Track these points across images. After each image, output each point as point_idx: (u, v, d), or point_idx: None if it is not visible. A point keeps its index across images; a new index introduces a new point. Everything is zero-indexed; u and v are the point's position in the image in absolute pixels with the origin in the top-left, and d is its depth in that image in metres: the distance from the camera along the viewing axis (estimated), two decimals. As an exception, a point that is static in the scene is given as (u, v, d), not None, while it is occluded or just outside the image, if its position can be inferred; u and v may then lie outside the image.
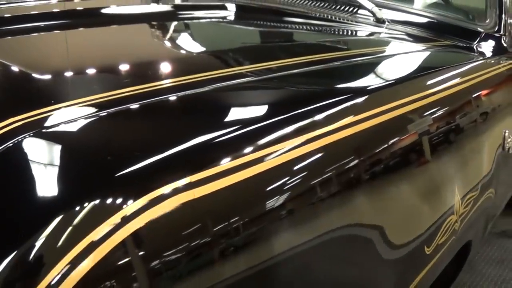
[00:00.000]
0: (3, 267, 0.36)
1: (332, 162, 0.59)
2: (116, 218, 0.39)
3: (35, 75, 0.64)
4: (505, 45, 1.33)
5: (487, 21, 1.35)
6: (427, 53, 1.13)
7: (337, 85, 0.78)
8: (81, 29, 0.91)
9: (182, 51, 0.90)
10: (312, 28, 1.26)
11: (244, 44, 1.04)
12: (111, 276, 0.38)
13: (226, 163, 0.48)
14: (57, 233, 0.37)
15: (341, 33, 1.20)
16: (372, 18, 1.28)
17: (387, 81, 0.82)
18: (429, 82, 0.88)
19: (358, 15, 1.31)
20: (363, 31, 1.24)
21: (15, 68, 0.66)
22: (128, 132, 0.52)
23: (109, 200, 0.40)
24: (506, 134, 1.16)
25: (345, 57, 0.93)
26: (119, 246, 0.38)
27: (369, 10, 1.27)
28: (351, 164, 0.62)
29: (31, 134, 0.46)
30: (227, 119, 0.57)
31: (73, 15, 0.98)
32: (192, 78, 0.64)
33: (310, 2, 1.38)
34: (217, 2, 1.28)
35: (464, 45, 1.25)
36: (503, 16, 1.35)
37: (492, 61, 1.22)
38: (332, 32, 1.21)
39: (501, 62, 1.24)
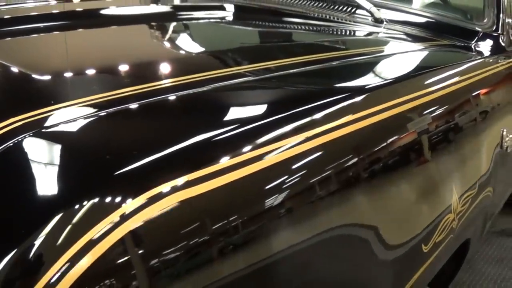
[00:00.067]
0: (3, 265, 0.36)
1: (330, 160, 0.60)
2: (114, 216, 0.39)
3: (35, 76, 0.64)
4: (503, 44, 1.33)
5: (485, 21, 1.35)
6: (425, 52, 1.13)
7: (335, 84, 0.78)
8: (80, 30, 0.92)
9: (181, 52, 0.90)
10: (310, 28, 1.26)
11: (242, 44, 1.04)
12: (110, 273, 0.38)
13: (224, 161, 0.48)
14: (56, 231, 0.38)
15: (339, 33, 1.20)
16: (370, 18, 1.28)
17: (385, 80, 0.83)
18: (426, 82, 0.88)
19: (356, 15, 1.31)
20: (361, 31, 1.24)
21: (15, 69, 0.67)
22: (126, 132, 0.52)
23: (107, 199, 0.41)
24: (504, 133, 1.16)
25: (343, 56, 0.94)
26: (117, 244, 0.38)
27: (367, 10, 1.28)
28: (349, 162, 0.62)
29: (31, 134, 0.46)
30: (225, 118, 0.58)
31: (73, 16, 0.98)
32: (191, 78, 0.65)
33: (308, 2, 1.39)
34: (216, 3, 1.28)
35: (462, 44, 1.25)
36: (501, 15, 1.35)
37: (490, 60, 1.22)
38: (331, 32, 1.21)
39: (499, 61, 1.25)
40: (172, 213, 0.42)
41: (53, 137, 0.48)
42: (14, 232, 0.38)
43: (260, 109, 0.62)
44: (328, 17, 1.31)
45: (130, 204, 0.40)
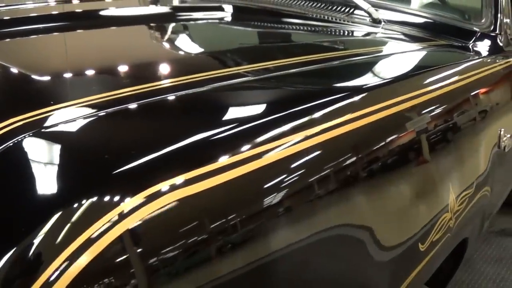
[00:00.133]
0: (3, 263, 0.36)
1: (328, 159, 0.60)
2: (112, 215, 0.40)
3: (34, 77, 0.64)
4: (501, 44, 1.33)
5: (483, 21, 1.35)
6: (422, 52, 1.13)
7: (333, 84, 0.79)
8: (79, 31, 0.92)
9: (180, 52, 0.90)
10: (309, 28, 1.26)
11: (241, 44, 1.05)
12: (108, 271, 0.38)
13: (222, 160, 0.49)
14: (55, 229, 0.38)
15: (337, 33, 1.21)
16: (368, 19, 1.29)
17: (382, 80, 0.83)
18: (423, 82, 0.89)
19: (354, 16, 1.31)
20: (360, 31, 1.24)
21: (15, 70, 0.67)
22: (125, 131, 0.53)
23: (105, 197, 0.41)
24: (502, 132, 1.17)
25: (341, 57, 0.94)
26: (115, 242, 0.39)
27: (365, 11, 1.28)
28: (346, 161, 0.62)
29: (31, 134, 0.47)
30: (224, 117, 0.58)
31: (72, 17, 0.98)
32: (190, 78, 0.65)
33: (306, 3, 1.39)
34: (214, 4, 1.29)
35: (460, 44, 1.26)
36: (499, 15, 1.35)
37: (488, 60, 1.22)
38: (329, 32, 1.21)
39: (497, 61, 1.25)
40: (170, 211, 0.43)
41: (52, 137, 0.48)
42: (13, 230, 0.39)
43: (259, 108, 0.63)
44: (326, 17, 1.32)
45: (128, 203, 0.41)
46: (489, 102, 1.11)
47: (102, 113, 0.52)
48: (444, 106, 0.89)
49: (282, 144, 0.55)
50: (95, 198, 0.41)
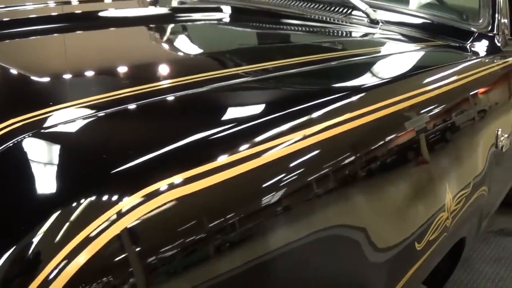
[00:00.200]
0: (2, 261, 0.37)
1: (326, 158, 0.60)
2: (110, 214, 0.40)
3: (34, 78, 0.64)
4: (498, 44, 1.33)
5: (480, 21, 1.36)
6: (419, 53, 1.14)
7: (331, 84, 0.79)
8: (79, 32, 0.92)
9: (179, 53, 0.90)
10: (307, 29, 1.27)
11: (240, 45, 1.05)
12: (106, 270, 0.39)
13: (221, 159, 0.49)
14: (54, 228, 0.38)
15: (335, 34, 1.21)
16: (366, 19, 1.29)
17: (379, 80, 0.83)
18: (419, 82, 0.89)
19: (352, 16, 1.32)
20: (357, 32, 1.25)
21: (14, 71, 0.67)
22: (123, 131, 0.53)
23: (104, 197, 0.41)
24: (499, 132, 1.17)
25: (339, 57, 0.94)
26: (113, 241, 0.39)
27: (363, 11, 1.28)
28: (344, 160, 0.63)
29: (30, 135, 0.47)
30: (223, 117, 0.58)
31: (71, 18, 0.99)
32: (189, 79, 0.65)
33: (304, 4, 1.39)
34: (213, 5, 1.29)
35: (457, 45, 1.26)
36: (496, 15, 1.36)
37: (486, 60, 1.23)
38: (327, 33, 1.22)
39: (495, 61, 1.25)
40: (168, 210, 0.43)
41: (51, 137, 0.48)
42: (13, 229, 0.39)
43: (258, 108, 0.63)
44: (324, 18, 1.32)
45: (127, 202, 0.41)
46: (487, 102, 1.11)
47: (101, 113, 0.53)
48: (441, 106, 0.89)
49: (280, 144, 0.55)
50: (93, 197, 0.41)
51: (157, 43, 0.97)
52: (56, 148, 0.48)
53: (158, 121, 0.56)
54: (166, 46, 0.96)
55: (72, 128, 0.50)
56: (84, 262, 0.38)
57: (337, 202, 0.61)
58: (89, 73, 0.70)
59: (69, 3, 1.15)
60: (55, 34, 0.89)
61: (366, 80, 0.83)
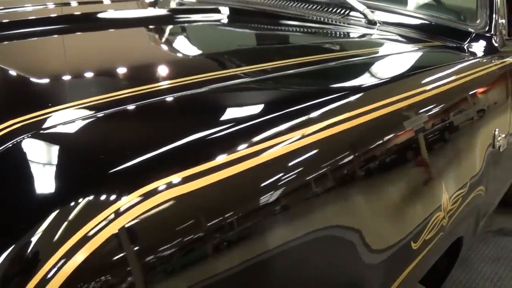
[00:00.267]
0: (0, 261, 0.37)
1: (323, 158, 0.61)
2: (107, 213, 0.40)
3: (33, 79, 0.65)
4: (496, 44, 1.33)
5: (477, 22, 1.36)
6: (416, 53, 1.14)
7: (329, 84, 0.79)
8: (78, 33, 0.92)
9: (178, 54, 0.91)
10: (305, 30, 1.27)
11: (239, 46, 1.05)
12: (103, 268, 0.39)
13: (218, 158, 0.49)
14: (52, 227, 0.39)
15: (333, 35, 1.21)
16: (363, 20, 1.30)
17: (376, 81, 0.84)
18: (416, 82, 0.90)
19: (350, 17, 1.32)
20: (355, 32, 1.25)
21: (14, 72, 0.67)
22: (121, 132, 0.54)
23: (102, 196, 0.42)
24: (496, 132, 1.17)
25: (337, 58, 0.94)
26: (110, 240, 0.39)
27: (360, 12, 1.29)
28: (342, 160, 0.63)
29: (29, 135, 0.48)
30: (221, 118, 0.59)
31: (71, 19, 0.99)
32: (188, 80, 0.65)
33: (302, 5, 1.40)
34: (211, 6, 1.30)
35: (455, 45, 1.27)
36: (494, 16, 1.36)
37: (483, 61, 1.23)
38: (325, 34, 1.22)
39: (492, 61, 1.25)
40: (165, 209, 0.43)
41: (50, 138, 0.49)
42: (12, 228, 0.40)
43: (256, 108, 0.63)
44: (322, 19, 1.33)
45: (124, 201, 0.42)
46: (484, 102, 1.11)
47: (99, 114, 0.53)
48: (437, 107, 0.90)
49: (278, 143, 0.56)
50: (91, 197, 0.41)
51: (156, 44, 0.97)
52: (55, 148, 0.48)
53: (156, 122, 0.56)
54: (165, 47, 0.96)
55: (71, 128, 0.50)
56: (82, 261, 0.38)
57: (334, 201, 0.62)
58: (88, 74, 0.70)
59: (68, 4, 1.16)
60: (54, 36, 0.89)
61: (363, 80, 0.83)
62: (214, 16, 1.21)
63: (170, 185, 0.45)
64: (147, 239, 0.42)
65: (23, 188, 0.43)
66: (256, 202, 0.51)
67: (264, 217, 0.52)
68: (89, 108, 0.54)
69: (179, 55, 0.91)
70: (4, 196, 0.43)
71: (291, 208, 0.55)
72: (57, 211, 0.40)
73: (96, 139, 0.51)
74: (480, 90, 1.11)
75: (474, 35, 1.31)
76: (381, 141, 0.72)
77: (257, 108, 0.63)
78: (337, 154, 0.63)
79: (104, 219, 0.40)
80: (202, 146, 0.51)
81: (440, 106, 0.91)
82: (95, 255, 0.39)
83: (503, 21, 1.41)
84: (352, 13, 1.32)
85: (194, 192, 0.46)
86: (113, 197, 0.42)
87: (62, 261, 0.38)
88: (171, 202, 0.44)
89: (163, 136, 0.52)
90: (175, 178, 0.45)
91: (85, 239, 0.39)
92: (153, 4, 1.38)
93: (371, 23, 1.28)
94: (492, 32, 1.34)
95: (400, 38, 1.24)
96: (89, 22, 1.00)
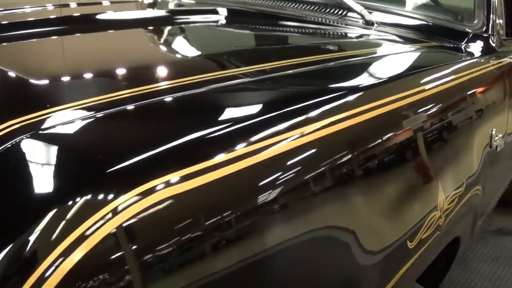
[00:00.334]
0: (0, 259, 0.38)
1: (321, 157, 0.61)
2: (105, 211, 0.41)
3: (33, 80, 0.65)
4: (493, 45, 1.34)
5: (475, 22, 1.36)
6: (413, 54, 1.14)
7: (327, 84, 0.80)
8: (77, 34, 0.93)
9: (178, 55, 0.91)
10: (303, 31, 1.27)
11: (237, 47, 1.05)
12: (100, 266, 0.39)
13: (216, 157, 0.50)
14: (50, 226, 0.39)
15: (331, 35, 1.22)
16: (361, 21, 1.30)
17: (374, 81, 0.84)
18: (413, 82, 0.90)
19: (347, 18, 1.33)
20: (353, 33, 1.25)
21: (13, 73, 0.67)
22: (120, 132, 0.54)
23: (99, 195, 0.42)
24: (494, 132, 1.18)
25: (335, 58, 0.95)
26: (107, 238, 0.40)
27: (358, 13, 1.29)
28: (338, 159, 0.64)
29: (28, 136, 0.48)
30: (219, 117, 0.59)
31: (70, 21, 0.99)
32: (187, 80, 0.66)
33: (300, 6, 1.40)
34: (209, 7, 1.30)
35: (452, 45, 1.27)
36: (491, 16, 1.36)
37: (481, 61, 1.23)
38: (323, 34, 1.22)
39: (490, 61, 1.26)
40: (163, 207, 0.44)
41: (48, 138, 0.49)
42: (10, 227, 0.40)
43: (255, 108, 0.64)
44: (320, 20, 1.33)
45: (121, 199, 0.42)
46: (481, 102, 1.11)
47: (98, 115, 0.53)
48: (434, 107, 0.90)
49: (277, 142, 0.56)
50: (88, 196, 0.42)
51: (155, 45, 0.97)
52: (53, 148, 0.48)
53: (154, 121, 0.57)
54: (164, 48, 0.96)
55: (69, 129, 0.51)
56: (79, 259, 0.38)
57: (331, 199, 0.62)
58: (88, 75, 0.70)
59: (68, 5, 1.16)
60: (53, 37, 0.89)
61: (360, 80, 0.84)
62: (213, 17, 1.22)
63: (167, 184, 0.45)
64: (144, 237, 0.43)
65: (21, 188, 0.43)
66: (254, 201, 0.52)
67: (262, 215, 0.52)
68: (88, 108, 0.54)
69: (178, 56, 0.91)
70: (3, 195, 0.43)
71: (289, 206, 0.55)
72: (54, 210, 0.40)
73: (94, 139, 0.51)
74: (478, 90, 1.11)
75: (471, 35, 1.32)
76: (377, 141, 0.72)
77: (256, 108, 0.64)
78: (334, 153, 0.64)
79: (102, 217, 0.40)
80: (200, 145, 0.51)
81: (437, 106, 0.91)
82: (92, 253, 0.39)
83: (501, 21, 1.41)
84: (349, 14, 1.33)
85: (191, 191, 0.46)
86: (110, 196, 0.42)
87: (60, 259, 0.38)
88: (168, 201, 0.44)
89: (161, 135, 0.52)
90: (173, 177, 0.46)
91: (83, 238, 0.39)
92: (152, 5, 1.39)
93: (368, 23, 1.28)
94: (490, 32, 1.34)
95: (397, 39, 1.24)
96: (88, 23, 1.00)
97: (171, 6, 1.44)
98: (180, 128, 0.55)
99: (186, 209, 0.46)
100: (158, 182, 0.45)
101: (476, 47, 1.29)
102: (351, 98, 0.73)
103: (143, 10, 1.31)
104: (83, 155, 0.48)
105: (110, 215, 0.41)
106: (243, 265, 0.50)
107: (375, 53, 1.08)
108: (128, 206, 0.42)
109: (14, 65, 0.72)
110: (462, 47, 1.28)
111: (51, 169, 0.45)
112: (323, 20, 1.32)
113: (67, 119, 0.52)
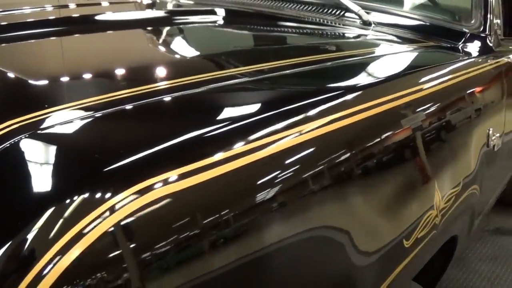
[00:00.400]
0: None
1: (319, 156, 0.62)
2: (102, 209, 0.41)
3: (32, 80, 0.65)
4: (490, 45, 1.34)
5: (472, 22, 1.36)
6: (410, 54, 1.14)
7: (324, 84, 0.80)
8: (76, 35, 0.93)
9: (176, 55, 0.92)
10: (301, 31, 1.28)
11: (235, 47, 1.05)
12: (97, 263, 0.40)
13: (214, 155, 0.50)
14: (47, 224, 0.40)
15: (329, 35, 1.22)
16: (358, 21, 1.31)
17: (371, 81, 0.84)
18: (410, 82, 0.90)
19: (345, 18, 1.33)
20: (350, 33, 1.26)
21: (12, 74, 0.68)
22: (117, 131, 0.54)
23: (97, 193, 0.42)
24: (491, 132, 1.18)
25: (333, 58, 0.95)
26: (104, 235, 0.40)
27: (355, 13, 1.29)
28: (334, 157, 0.64)
29: (27, 135, 0.48)
30: (217, 116, 0.59)
31: (69, 21, 1.00)
32: (185, 81, 0.66)
33: (297, 6, 1.41)
34: (208, 7, 1.31)
35: (449, 45, 1.27)
36: (489, 16, 1.36)
37: (478, 60, 1.23)
38: (320, 34, 1.23)
39: (487, 61, 1.26)
40: (160, 205, 0.44)
41: (47, 137, 0.50)
42: (8, 225, 0.40)
43: (253, 107, 0.64)
44: (317, 20, 1.33)
45: (119, 197, 0.42)
46: (478, 102, 1.12)
47: (96, 114, 0.54)
48: (431, 106, 0.90)
49: (274, 140, 0.56)
50: (86, 194, 0.42)
51: (154, 45, 0.98)
52: (51, 148, 0.49)
53: (152, 121, 0.57)
54: (162, 49, 0.97)
55: (67, 129, 0.51)
56: (77, 257, 0.39)
57: (328, 198, 0.62)
58: (86, 76, 0.71)
59: (67, 6, 1.17)
60: (52, 38, 0.90)
61: (358, 80, 0.84)
62: (211, 18, 1.22)
63: (165, 182, 0.45)
64: (142, 235, 0.43)
65: (20, 186, 0.43)
66: (252, 199, 0.52)
67: (260, 214, 0.52)
68: (86, 108, 0.55)
69: (177, 56, 0.91)
70: (1, 194, 0.43)
71: (286, 205, 0.55)
72: (52, 208, 0.41)
73: (92, 138, 0.52)
74: (475, 90, 1.11)
75: (468, 35, 1.32)
76: (374, 140, 0.72)
77: (254, 107, 0.64)
78: (332, 151, 0.64)
79: (99, 215, 0.41)
80: (198, 144, 0.52)
81: (434, 106, 0.91)
82: (89, 251, 0.39)
83: (498, 21, 1.41)
84: (347, 14, 1.33)
85: (189, 189, 0.46)
86: (108, 194, 0.42)
87: (58, 257, 0.38)
88: (166, 199, 0.44)
89: (159, 134, 0.52)
90: (170, 175, 0.46)
91: (80, 235, 0.39)
92: (150, 6, 1.39)
93: (366, 23, 1.29)
94: (487, 32, 1.35)
95: (394, 39, 1.24)
96: (87, 24, 1.00)
97: (170, 6, 1.45)
98: (178, 127, 0.55)
99: (184, 207, 0.46)
100: (155, 180, 0.45)
101: (473, 47, 1.29)
102: (348, 97, 0.73)
103: (142, 11, 1.31)
104: (81, 154, 0.49)
105: (107, 213, 0.41)
106: (240, 263, 0.50)
107: (373, 53, 1.09)
108: (125, 204, 0.42)
109: (13, 66, 0.72)
110: (460, 47, 1.28)
111: (49, 168, 0.46)
112: (321, 20, 1.33)
113: (65, 119, 0.52)
